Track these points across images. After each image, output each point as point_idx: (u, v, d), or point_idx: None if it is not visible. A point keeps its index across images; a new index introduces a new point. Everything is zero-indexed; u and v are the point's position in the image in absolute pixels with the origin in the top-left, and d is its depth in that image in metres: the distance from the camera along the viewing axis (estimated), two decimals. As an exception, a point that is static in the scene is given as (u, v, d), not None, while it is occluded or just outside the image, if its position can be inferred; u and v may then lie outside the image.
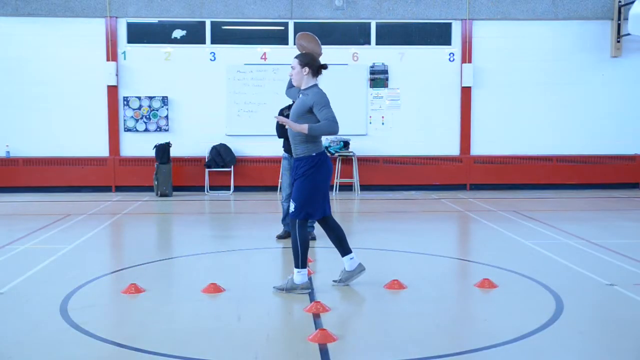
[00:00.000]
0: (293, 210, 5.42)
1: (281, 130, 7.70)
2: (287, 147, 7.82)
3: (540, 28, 13.56)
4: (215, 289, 5.48)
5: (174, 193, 12.89)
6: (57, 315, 4.85)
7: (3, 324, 4.70)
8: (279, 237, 7.98)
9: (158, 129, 13.34)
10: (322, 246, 7.44)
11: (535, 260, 6.77)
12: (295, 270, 5.45)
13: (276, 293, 5.46)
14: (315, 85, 5.47)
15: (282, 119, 5.40)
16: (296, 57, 5.51)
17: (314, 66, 5.43)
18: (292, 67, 5.51)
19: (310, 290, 5.46)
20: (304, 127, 5.26)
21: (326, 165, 5.45)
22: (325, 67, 5.49)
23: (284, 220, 7.99)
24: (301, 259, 5.42)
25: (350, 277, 5.69)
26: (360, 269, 5.70)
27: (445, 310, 5.06)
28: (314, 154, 5.39)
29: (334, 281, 5.76)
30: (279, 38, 13.47)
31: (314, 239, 7.73)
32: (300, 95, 5.50)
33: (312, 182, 5.38)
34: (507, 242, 7.88)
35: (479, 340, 4.32)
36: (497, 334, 4.41)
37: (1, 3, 12.93)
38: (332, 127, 5.31)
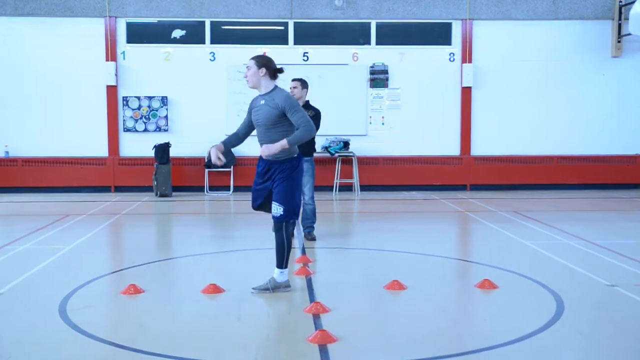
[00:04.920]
0: (282, 213, 5.30)
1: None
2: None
3: (540, 28, 13.55)
4: (215, 289, 5.47)
5: (174, 193, 12.88)
6: (56, 315, 4.84)
7: (3, 324, 4.69)
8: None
9: (157, 129, 13.33)
10: (322, 246, 7.43)
11: (535, 261, 6.75)
12: (279, 270, 5.45)
13: (260, 294, 5.38)
14: (277, 87, 5.32)
15: (263, 151, 5.23)
16: (252, 58, 5.32)
17: (271, 68, 5.27)
18: (247, 67, 5.30)
19: (290, 288, 5.49)
20: (284, 144, 5.13)
21: (302, 164, 5.56)
22: (281, 70, 5.31)
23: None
24: (286, 260, 5.46)
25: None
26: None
27: (446, 311, 5.05)
28: (295, 156, 5.37)
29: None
30: (279, 38, 13.45)
31: (313, 239, 7.72)
32: (263, 102, 5.27)
33: (296, 182, 5.40)
34: (508, 242, 7.86)
35: (480, 341, 4.31)
36: (497, 334, 4.40)
37: (1, 3, 12.92)
38: (310, 131, 5.17)
